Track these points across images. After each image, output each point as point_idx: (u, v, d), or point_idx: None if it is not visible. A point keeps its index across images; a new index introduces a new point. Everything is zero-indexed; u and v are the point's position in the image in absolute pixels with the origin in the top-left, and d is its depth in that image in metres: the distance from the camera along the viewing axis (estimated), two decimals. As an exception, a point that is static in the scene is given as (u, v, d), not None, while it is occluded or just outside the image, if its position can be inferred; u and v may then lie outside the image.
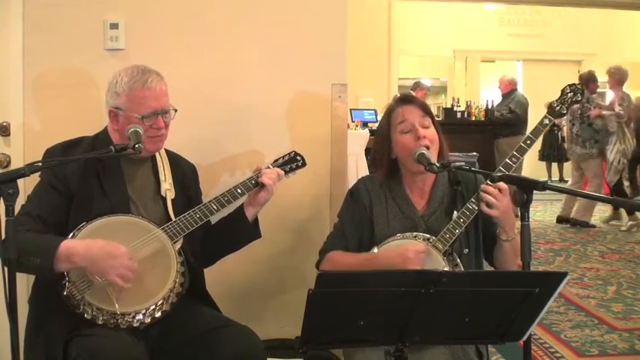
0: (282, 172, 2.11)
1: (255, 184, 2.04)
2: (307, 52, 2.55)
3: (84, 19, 2.42)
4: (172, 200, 1.97)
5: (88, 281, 1.72)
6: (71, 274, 1.71)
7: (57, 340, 1.70)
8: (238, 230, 2.07)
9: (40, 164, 1.70)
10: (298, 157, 2.19)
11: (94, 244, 1.72)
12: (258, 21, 2.53)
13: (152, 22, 2.47)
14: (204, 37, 2.50)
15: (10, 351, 1.44)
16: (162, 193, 1.97)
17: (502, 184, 1.81)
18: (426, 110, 1.97)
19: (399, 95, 2.09)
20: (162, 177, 1.98)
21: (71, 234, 1.77)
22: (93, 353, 1.62)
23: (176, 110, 1.95)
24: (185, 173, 2.08)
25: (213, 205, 1.96)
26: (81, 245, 1.71)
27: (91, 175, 1.87)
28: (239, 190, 2.02)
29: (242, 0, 2.53)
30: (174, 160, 2.07)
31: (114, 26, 2.42)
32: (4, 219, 1.46)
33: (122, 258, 1.71)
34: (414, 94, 7.93)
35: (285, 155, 2.19)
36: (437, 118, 2.10)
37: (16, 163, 2.39)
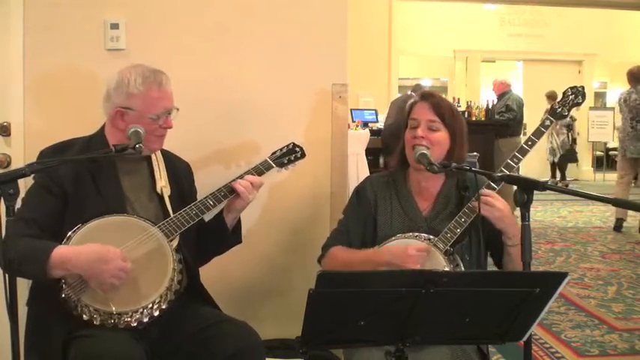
0: (261, 181, 2.03)
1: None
2: (307, 52, 2.55)
3: (84, 19, 2.42)
4: (169, 197, 1.96)
5: (84, 283, 1.71)
6: (67, 276, 1.71)
7: (55, 341, 1.70)
8: (219, 236, 2.05)
9: (40, 164, 1.69)
10: (297, 149, 2.17)
11: (85, 250, 1.71)
12: (258, 21, 2.53)
13: (152, 22, 2.47)
14: (204, 37, 2.50)
15: (10, 351, 1.44)
16: (158, 190, 1.95)
17: (484, 190, 1.84)
18: (438, 111, 1.93)
19: (422, 91, 2.08)
20: (157, 175, 1.97)
21: (67, 236, 1.76)
22: (90, 355, 1.62)
23: (178, 109, 1.96)
24: (179, 171, 2.07)
25: (209, 200, 1.95)
26: (73, 252, 1.70)
27: (86, 175, 1.86)
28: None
29: (242, 0, 2.53)
30: (169, 158, 2.06)
31: (114, 26, 2.42)
32: (4, 219, 1.45)
33: (115, 261, 1.70)
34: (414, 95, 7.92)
35: (284, 147, 2.17)
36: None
37: (17, 163, 2.39)
